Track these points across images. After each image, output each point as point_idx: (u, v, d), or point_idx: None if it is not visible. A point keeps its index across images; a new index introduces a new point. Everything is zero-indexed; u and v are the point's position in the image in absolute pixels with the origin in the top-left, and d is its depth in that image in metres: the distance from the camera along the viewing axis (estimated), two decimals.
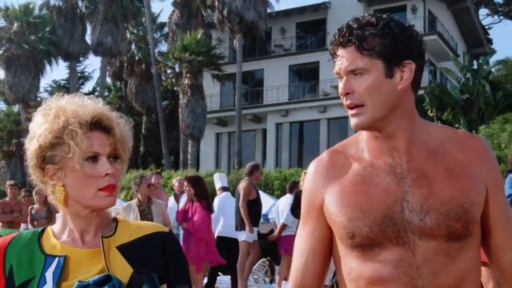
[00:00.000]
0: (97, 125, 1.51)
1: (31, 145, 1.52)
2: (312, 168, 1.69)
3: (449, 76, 24.84)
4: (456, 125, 22.32)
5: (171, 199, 9.72)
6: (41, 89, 35.02)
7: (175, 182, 10.10)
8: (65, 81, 38.50)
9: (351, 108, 1.57)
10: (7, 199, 10.36)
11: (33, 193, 10.26)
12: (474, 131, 19.46)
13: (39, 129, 1.50)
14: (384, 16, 1.56)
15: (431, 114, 22.80)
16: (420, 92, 19.60)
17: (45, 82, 54.96)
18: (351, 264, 1.59)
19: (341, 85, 1.57)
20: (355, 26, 1.54)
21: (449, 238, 1.52)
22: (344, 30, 1.55)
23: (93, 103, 1.54)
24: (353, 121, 1.57)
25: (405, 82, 1.54)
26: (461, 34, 33.50)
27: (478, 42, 34.14)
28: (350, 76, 1.55)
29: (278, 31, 31.34)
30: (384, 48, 1.52)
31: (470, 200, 1.53)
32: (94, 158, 1.49)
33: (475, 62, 25.97)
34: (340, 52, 1.56)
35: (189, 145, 27.99)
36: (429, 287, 1.51)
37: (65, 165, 1.48)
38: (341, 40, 1.55)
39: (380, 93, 1.53)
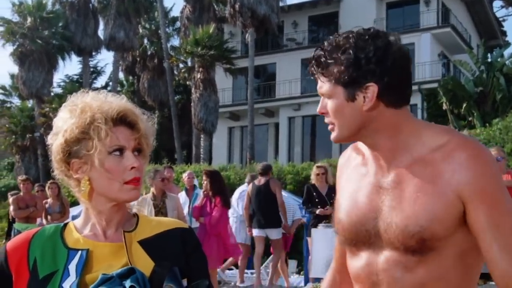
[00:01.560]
0: (122, 120, 1.54)
1: (57, 140, 1.54)
2: (339, 161, 1.86)
3: (463, 69, 24.67)
4: (470, 118, 22.17)
5: (183, 194, 9.73)
6: (54, 84, 35.22)
7: (185, 176, 10.09)
8: (78, 76, 38.67)
9: (329, 123, 1.68)
10: (21, 194, 10.42)
11: (46, 188, 10.30)
12: (488, 124, 19.31)
13: (64, 124, 1.53)
14: (351, 36, 1.60)
15: (444, 108, 22.66)
16: (434, 85, 19.42)
17: (58, 77, 55.34)
18: (347, 257, 1.74)
19: (319, 105, 1.69)
20: (322, 52, 1.62)
21: (406, 251, 1.56)
22: (314, 55, 1.65)
23: (117, 99, 1.57)
24: (331, 136, 1.68)
25: (368, 104, 1.58)
26: (475, 27, 33.25)
27: (492, 34, 33.86)
28: (324, 97, 1.65)
29: (290, 24, 31.27)
30: (341, 76, 1.58)
31: (430, 216, 1.52)
32: (120, 151, 1.52)
33: (489, 54, 25.75)
34: (315, 75, 1.67)
35: (201, 139, 28.04)
36: None
37: (91, 159, 1.51)
38: (312, 66, 1.66)
39: (343, 116, 1.61)
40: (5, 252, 1.53)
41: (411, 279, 1.56)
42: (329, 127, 1.66)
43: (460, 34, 29.32)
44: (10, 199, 10.41)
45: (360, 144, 1.74)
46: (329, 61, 1.60)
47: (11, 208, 10.25)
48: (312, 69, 1.66)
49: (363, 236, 1.62)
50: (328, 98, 1.63)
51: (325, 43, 1.64)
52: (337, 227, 1.71)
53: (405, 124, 1.63)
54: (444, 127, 1.66)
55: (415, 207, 1.54)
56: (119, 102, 1.56)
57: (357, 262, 1.66)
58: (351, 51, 1.57)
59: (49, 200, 10.04)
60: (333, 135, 1.66)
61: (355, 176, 1.71)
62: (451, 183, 1.53)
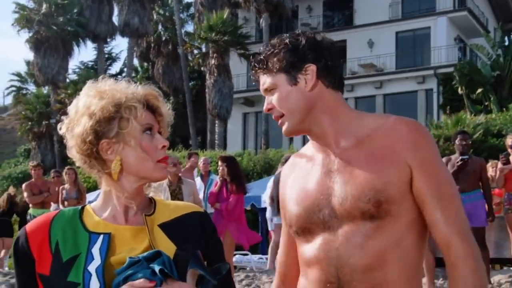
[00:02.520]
0: (146, 104, 1.58)
1: (81, 123, 1.53)
2: (282, 172, 1.94)
3: (480, 52, 24.41)
4: (487, 103, 21.97)
5: (198, 180, 9.76)
6: (70, 71, 35.40)
7: (200, 162, 10.13)
8: (92, 63, 38.82)
9: (277, 120, 1.78)
10: (33, 180, 10.45)
11: (63, 174, 10.35)
12: (504, 109, 19.13)
13: (92, 106, 1.53)
14: (284, 36, 1.78)
15: (460, 92, 22.46)
16: (450, 70, 19.12)
17: (73, 63, 55.50)
18: (299, 250, 1.79)
19: (264, 104, 1.81)
20: (260, 52, 1.79)
21: (363, 218, 1.64)
22: (253, 59, 1.80)
23: (135, 86, 1.60)
24: (282, 131, 1.78)
25: (309, 84, 1.73)
26: (492, 10, 32.84)
27: (509, 17, 33.41)
28: (268, 95, 1.78)
29: (305, 9, 31.09)
30: (280, 63, 1.74)
31: (385, 180, 1.63)
32: (150, 130, 1.56)
33: (506, 38, 25.46)
34: (257, 78, 1.81)
35: (216, 125, 28.09)
36: (345, 268, 1.64)
37: (123, 138, 1.53)
38: (252, 69, 1.81)
39: (289, 100, 1.74)
40: (26, 234, 1.54)
41: (371, 246, 1.63)
42: (279, 122, 1.77)
43: (477, 17, 28.99)
44: (23, 186, 10.46)
45: (302, 150, 1.88)
46: (268, 56, 1.75)
47: (25, 194, 10.27)
48: (253, 71, 1.80)
49: (317, 219, 1.69)
50: (272, 91, 1.76)
51: (261, 49, 1.80)
52: (287, 221, 1.78)
53: (345, 108, 1.78)
54: (383, 114, 1.82)
55: (368, 175, 1.65)
56: (142, 87, 1.60)
57: (312, 245, 1.71)
58: (287, 42, 1.75)
59: (66, 186, 10.05)
60: (284, 128, 1.76)
61: (301, 174, 1.80)
62: (397, 152, 1.66)
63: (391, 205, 1.63)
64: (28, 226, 1.56)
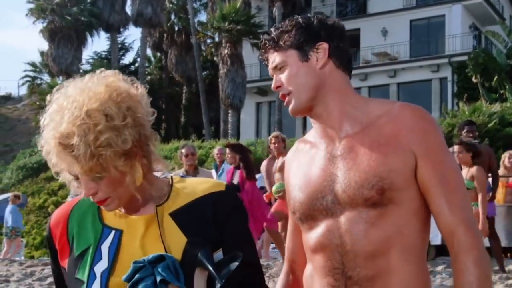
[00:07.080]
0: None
1: None
2: (286, 158, 1.95)
3: (495, 40, 24.15)
4: (502, 91, 21.77)
5: (213, 171, 9.79)
6: (83, 61, 35.50)
7: (215, 152, 10.18)
8: (106, 53, 38.92)
9: (284, 99, 1.77)
10: None
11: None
12: None
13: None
14: (297, 16, 1.79)
15: (475, 81, 22.27)
16: (465, 58, 18.87)
17: (87, 54, 55.42)
18: (304, 237, 1.79)
19: (273, 82, 1.80)
20: (272, 32, 1.79)
21: (366, 205, 1.63)
22: (263, 39, 1.81)
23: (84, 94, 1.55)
24: (289, 110, 1.77)
25: (321, 61, 1.73)
26: None
27: None
28: (277, 73, 1.77)
29: None
30: (293, 39, 1.74)
31: (388, 168, 1.62)
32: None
33: None
34: (266, 57, 1.81)
35: (229, 115, 28.09)
36: (349, 254, 1.65)
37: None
38: (262, 48, 1.81)
39: (299, 76, 1.73)
40: (49, 227, 1.57)
41: (375, 234, 1.63)
42: (286, 101, 1.76)
43: (492, 4, 28.68)
44: None
45: (307, 136, 1.86)
46: (280, 34, 1.76)
47: None
48: (263, 50, 1.79)
49: (320, 205, 1.69)
50: (282, 69, 1.75)
51: (271, 30, 1.80)
52: (292, 207, 1.77)
53: (352, 91, 1.78)
54: (387, 99, 1.79)
55: (372, 162, 1.63)
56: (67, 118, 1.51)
57: (316, 232, 1.71)
58: (299, 21, 1.75)
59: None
60: (290, 106, 1.75)
61: (305, 160, 1.79)
62: (401, 140, 1.65)
63: (395, 193, 1.62)
64: (52, 218, 1.59)
